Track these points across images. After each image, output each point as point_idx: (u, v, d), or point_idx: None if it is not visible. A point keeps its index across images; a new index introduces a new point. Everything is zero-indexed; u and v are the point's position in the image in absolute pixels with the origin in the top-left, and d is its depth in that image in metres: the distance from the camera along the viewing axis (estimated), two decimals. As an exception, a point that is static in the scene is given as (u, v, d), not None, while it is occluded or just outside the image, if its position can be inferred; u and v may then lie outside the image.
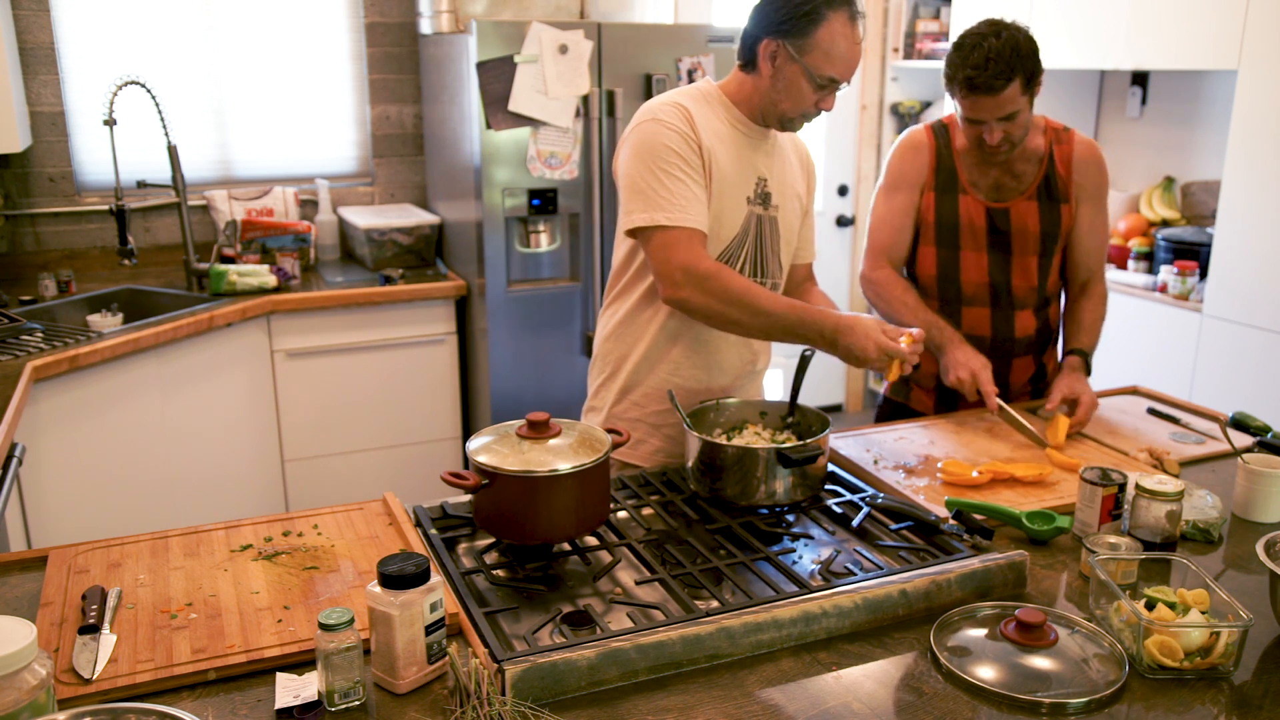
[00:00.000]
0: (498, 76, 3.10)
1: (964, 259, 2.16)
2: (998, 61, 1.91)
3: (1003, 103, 1.95)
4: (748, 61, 1.80)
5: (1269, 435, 1.91)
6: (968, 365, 2.02)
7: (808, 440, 1.65)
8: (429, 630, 1.19)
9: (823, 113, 1.81)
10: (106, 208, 3.33)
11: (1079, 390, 2.04)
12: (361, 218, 3.63)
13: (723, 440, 1.69)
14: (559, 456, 1.45)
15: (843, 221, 4.97)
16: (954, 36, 3.02)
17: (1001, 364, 2.22)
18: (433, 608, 1.19)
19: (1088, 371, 2.14)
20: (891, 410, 2.35)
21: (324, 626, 1.13)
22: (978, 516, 1.58)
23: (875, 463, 1.86)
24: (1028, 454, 1.91)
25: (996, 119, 1.98)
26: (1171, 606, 1.29)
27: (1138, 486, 1.55)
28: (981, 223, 2.14)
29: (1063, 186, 2.14)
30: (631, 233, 1.78)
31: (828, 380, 5.10)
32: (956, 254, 2.16)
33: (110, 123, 3.07)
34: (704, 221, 1.77)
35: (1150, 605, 1.30)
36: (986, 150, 2.05)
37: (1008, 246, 2.15)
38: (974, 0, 4.15)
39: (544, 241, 3.37)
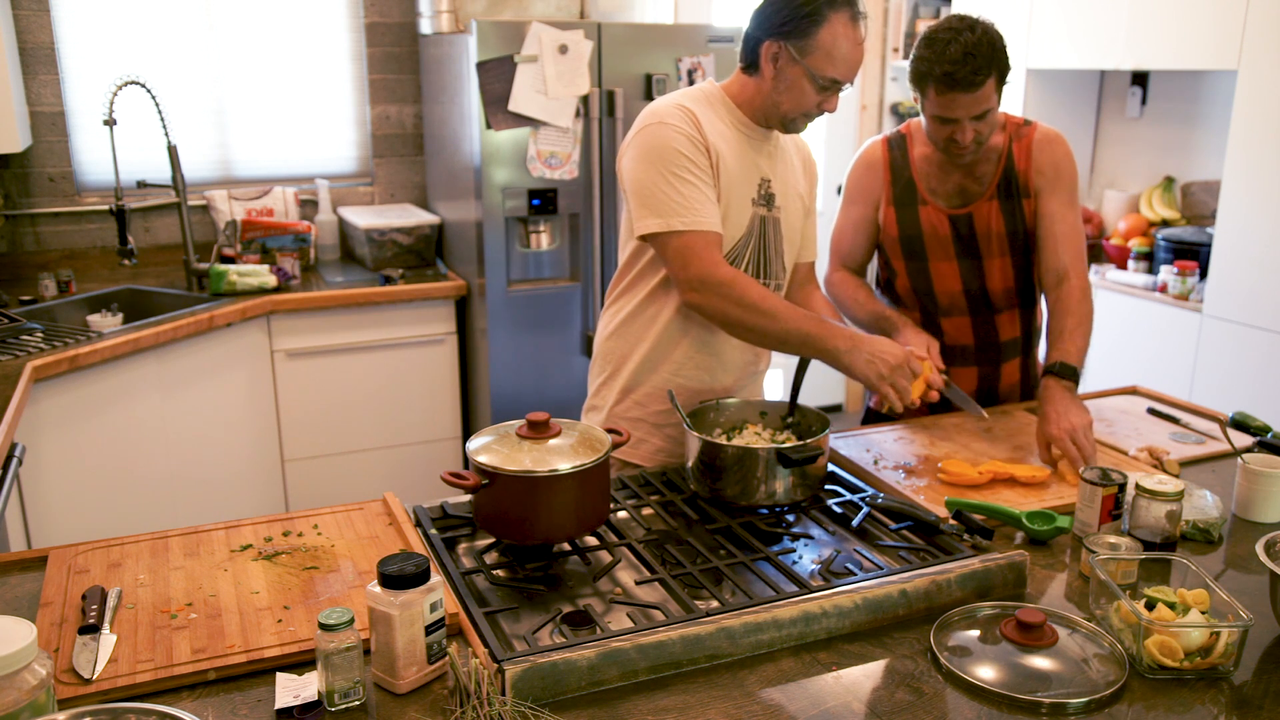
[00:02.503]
0: (498, 76, 3.10)
1: (934, 269, 2.13)
2: (976, 56, 1.85)
3: (980, 99, 1.90)
4: (750, 63, 1.80)
5: (1269, 435, 1.91)
6: (914, 344, 1.96)
7: (808, 440, 1.65)
8: (429, 630, 1.19)
9: (825, 113, 1.81)
10: (106, 208, 3.33)
11: (1063, 426, 1.80)
12: (361, 218, 3.63)
13: (723, 440, 1.69)
14: (559, 456, 1.45)
15: (843, 221, 4.97)
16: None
17: (989, 370, 2.20)
18: (433, 608, 1.19)
19: (1075, 381, 1.91)
20: (877, 414, 2.29)
21: (324, 626, 1.13)
22: (978, 516, 1.58)
23: (875, 463, 1.86)
24: (1028, 454, 1.91)
25: (970, 117, 1.92)
26: (1171, 606, 1.29)
27: (1138, 486, 1.55)
28: (945, 231, 2.10)
29: (1022, 181, 2.08)
30: (645, 237, 1.78)
31: (828, 380, 5.10)
32: (926, 265, 2.14)
33: (110, 123, 3.07)
34: (718, 223, 1.77)
35: (1150, 605, 1.30)
36: (954, 152, 1.99)
37: (976, 251, 2.11)
38: (974, 1, 4.15)
39: (544, 241, 3.37)
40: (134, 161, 3.43)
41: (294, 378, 3.28)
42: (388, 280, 3.39)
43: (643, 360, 1.90)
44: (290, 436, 3.32)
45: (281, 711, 1.14)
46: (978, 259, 2.12)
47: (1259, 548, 1.33)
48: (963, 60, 1.85)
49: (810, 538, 1.59)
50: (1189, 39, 3.41)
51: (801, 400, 1.79)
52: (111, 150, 3.10)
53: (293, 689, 1.17)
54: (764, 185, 1.86)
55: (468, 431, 3.62)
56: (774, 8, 1.73)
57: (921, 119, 2.06)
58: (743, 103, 1.83)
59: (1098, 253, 4.03)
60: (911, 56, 1.96)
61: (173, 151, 3.27)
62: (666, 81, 3.29)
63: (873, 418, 2.31)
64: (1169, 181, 4.00)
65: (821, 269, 2.17)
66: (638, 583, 1.45)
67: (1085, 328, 1.99)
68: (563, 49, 3.13)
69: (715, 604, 1.33)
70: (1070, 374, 1.91)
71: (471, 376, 3.58)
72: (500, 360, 3.36)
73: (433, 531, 1.54)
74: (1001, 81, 1.92)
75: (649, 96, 3.29)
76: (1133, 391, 2.32)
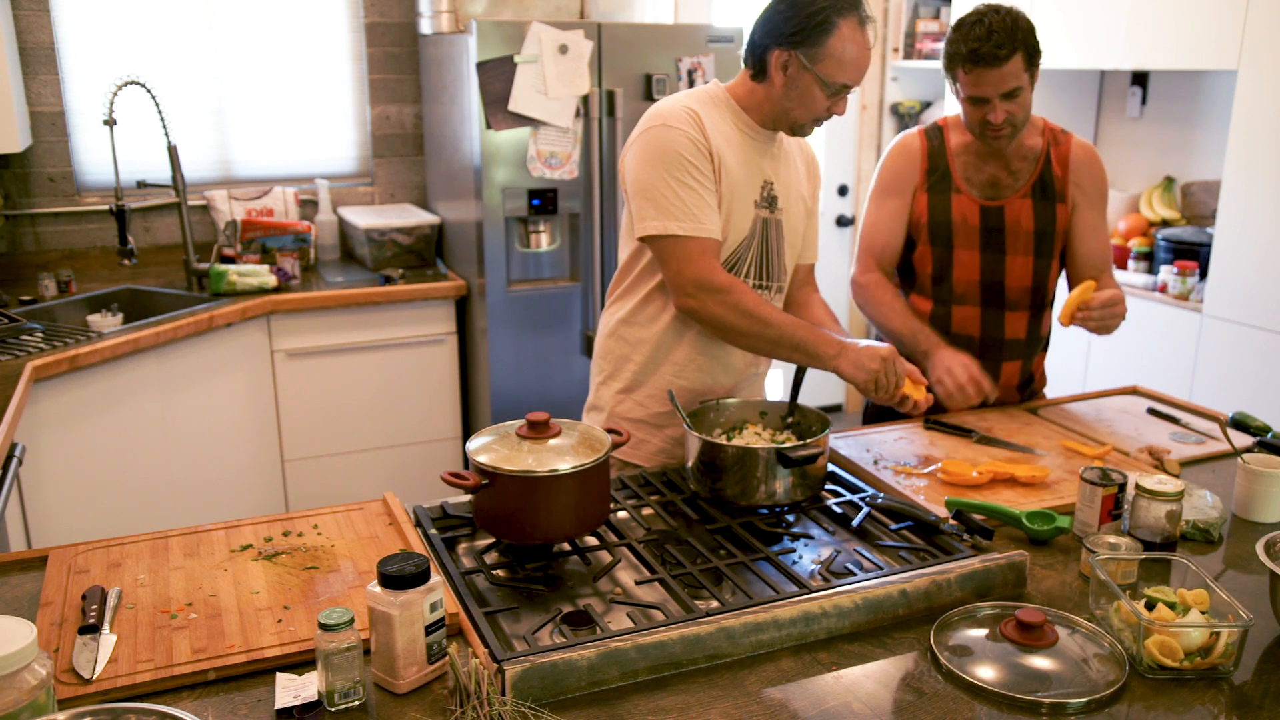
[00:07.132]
0: (498, 76, 3.10)
1: (956, 256, 2.16)
2: (1000, 33, 1.93)
3: (1006, 76, 1.96)
4: (758, 70, 1.80)
5: (1269, 435, 1.91)
6: (949, 371, 1.99)
7: (808, 440, 1.65)
8: (429, 630, 1.19)
9: (834, 116, 1.81)
10: (106, 208, 3.33)
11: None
12: (361, 218, 3.63)
13: (723, 440, 1.69)
14: (559, 456, 1.45)
15: (843, 221, 4.97)
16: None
17: (990, 366, 2.18)
18: (433, 608, 1.19)
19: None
20: (877, 413, 2.29)
21: (324, 626, 1.13)
22: (978, 516, 1.58)
23: (875, 463, 1.86)
24: (1028, 454, 1.91)
25: (1000, 95, 1.98)
26: (1171, 606, 1.29)
27: (1138, 486, 1.55)
28: (975, 221, 2.13)
29: (1059, 186, 2.13)
30: (644, 239, 1.78)
31: (828, 380, 5.10)
32: (950, 252, 2.16)
33: (110, 123, 3.07)
34: (718, 229, 1.77)
35: (1150, 605, 1.30)
36: (989, 135, 2.04)
37: (1001, 245, 2.14)
38: (974, 1, 4.15)
39: (544, 241, 3.37)
40: (134, 161, 3.43)
41: (294, 378, 3.28)
42: (388, 280, 3.39)
43: (643, 361, 1.90)
44: (290, 436, 3.32)
45: (281, 711, 1.14)
46: (1001, 253, 2.15)
47: (1259, 548, 1.33)
48: (986, 37, 1.94)
49: (810, 538, 1.59)
50: (1189, 39, 3.41)
51: (801, 400, 1.79)
52: (111, 150, 3.11)
53: (293, 689, 1.17)
54: (767, 187, 1.86)
55: (468, 431, 3.62)
56: (782, 17, 1.73)
57: (959, 111, 2.11)
58: (749, 107, 1.83)
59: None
60: (943, 46, 2.03)
61: (173, 151, 3.27)
62: (666, 81, 3.29)
63: (873, 414, 2.31)
64: (1169, 181, 4.00)
65: (833, 267, 2.18)
66: (638, 583, 1.45)
67: (1122, 299, 2.10)
68: (563, 49, 3.13)
69: (715, 604, 1.33)
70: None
71: (471, 376, 3.58)
72: (500, 360, 3.36)
73: (433, 531, 1.54)
74: (1030, 63, 1.98)
75: (649, 96, 3.29)
76: (1133, 391, 2.32)
